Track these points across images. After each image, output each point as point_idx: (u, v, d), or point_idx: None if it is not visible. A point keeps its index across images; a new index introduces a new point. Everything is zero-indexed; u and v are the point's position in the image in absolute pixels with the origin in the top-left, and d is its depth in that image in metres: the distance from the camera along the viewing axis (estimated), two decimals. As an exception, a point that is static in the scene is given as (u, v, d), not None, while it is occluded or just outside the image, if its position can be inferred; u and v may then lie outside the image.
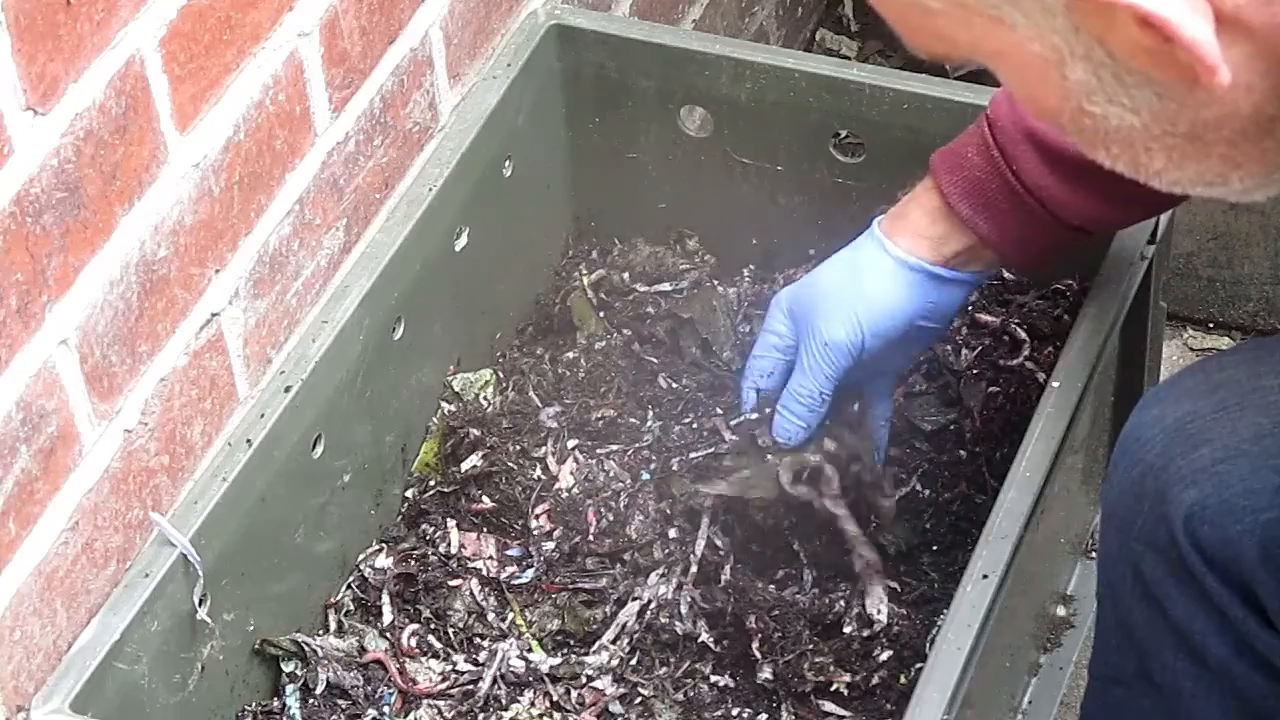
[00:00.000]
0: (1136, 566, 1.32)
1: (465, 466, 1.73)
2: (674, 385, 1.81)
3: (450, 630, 1.65)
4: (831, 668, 1.59)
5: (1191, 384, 1.32)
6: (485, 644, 1.65)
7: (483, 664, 1.63)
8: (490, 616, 1.66)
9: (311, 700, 1.58)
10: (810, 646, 1.59)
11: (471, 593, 1.66)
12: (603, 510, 1.71)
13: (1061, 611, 1.80)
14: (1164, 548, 1.29)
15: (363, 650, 1.63)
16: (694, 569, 1.65)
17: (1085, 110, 0.96)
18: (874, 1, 1.00)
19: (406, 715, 1.60)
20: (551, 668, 1.63)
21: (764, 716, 1.60)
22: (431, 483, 1.74)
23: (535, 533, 1.70)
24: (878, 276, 1.51)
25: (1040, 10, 0.92)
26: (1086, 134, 0.99)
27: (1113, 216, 1.52)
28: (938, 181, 1.49)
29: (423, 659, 1.63)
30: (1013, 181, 1.46)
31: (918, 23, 0.97)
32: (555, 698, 1.62)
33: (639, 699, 1.62)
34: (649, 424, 1.77)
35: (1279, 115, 0.96)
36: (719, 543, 1.66)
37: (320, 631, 1.65)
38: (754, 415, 1.60)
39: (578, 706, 1.61)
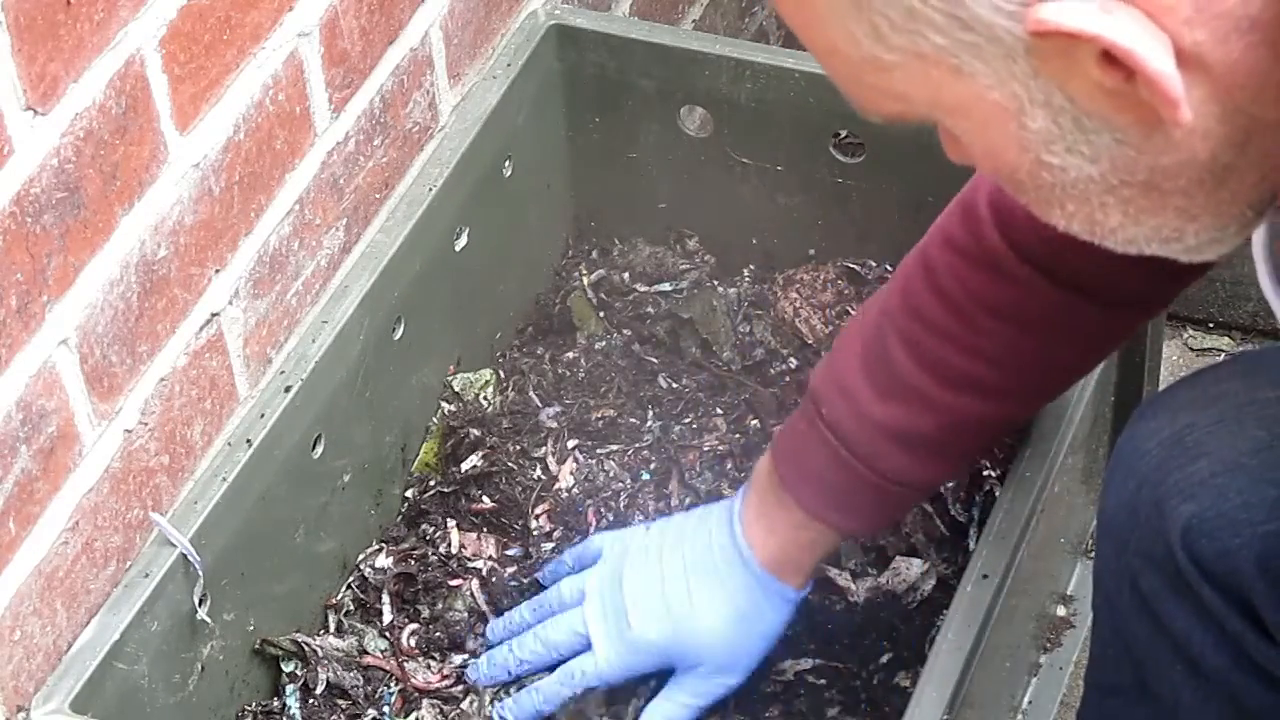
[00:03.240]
0: (1133, 579, 1.31)
1: (465, 466, 1.73)
2: (674, 385, 1.80)
3: (450, 630, 1.65)
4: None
5: (1188, 396, 1.32)
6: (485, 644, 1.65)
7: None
8: (490, 617, 1.66)
9: (311, 700, 1.58)
10: (810, 646, 1.60)
11: (471, 593, 1.66)
12: (603, 510, 1.71)
13: (1061, 611, 1.80)
14: (1161, 560, 1.28)
15: (363, 650, 1.63)
16: (694, 569, 1.65)
17: (1044, 162, 0.96)
18: (827, 65, 0.98)
19: (406, 715, 1.60)
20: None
21: (766, 714, 1.60)
22: (431, 483, 1.74)
23: (535, 533, 1.70)
24: (774, 620, 1.52)
25: (1001, 55, 0.91)
26: (1044, 190, 0.99)
27: (959, 470, 1.59)
28: (797, 498, 1.48)
29: (423, 659, 1.63)
30: (873, 478, 1.46)
31: (872, 81, 0.96)
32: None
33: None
34: (649, 424, 1.77)
35: (1233, 164, 0.96)
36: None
37: (320, 631, 1.65)
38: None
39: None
